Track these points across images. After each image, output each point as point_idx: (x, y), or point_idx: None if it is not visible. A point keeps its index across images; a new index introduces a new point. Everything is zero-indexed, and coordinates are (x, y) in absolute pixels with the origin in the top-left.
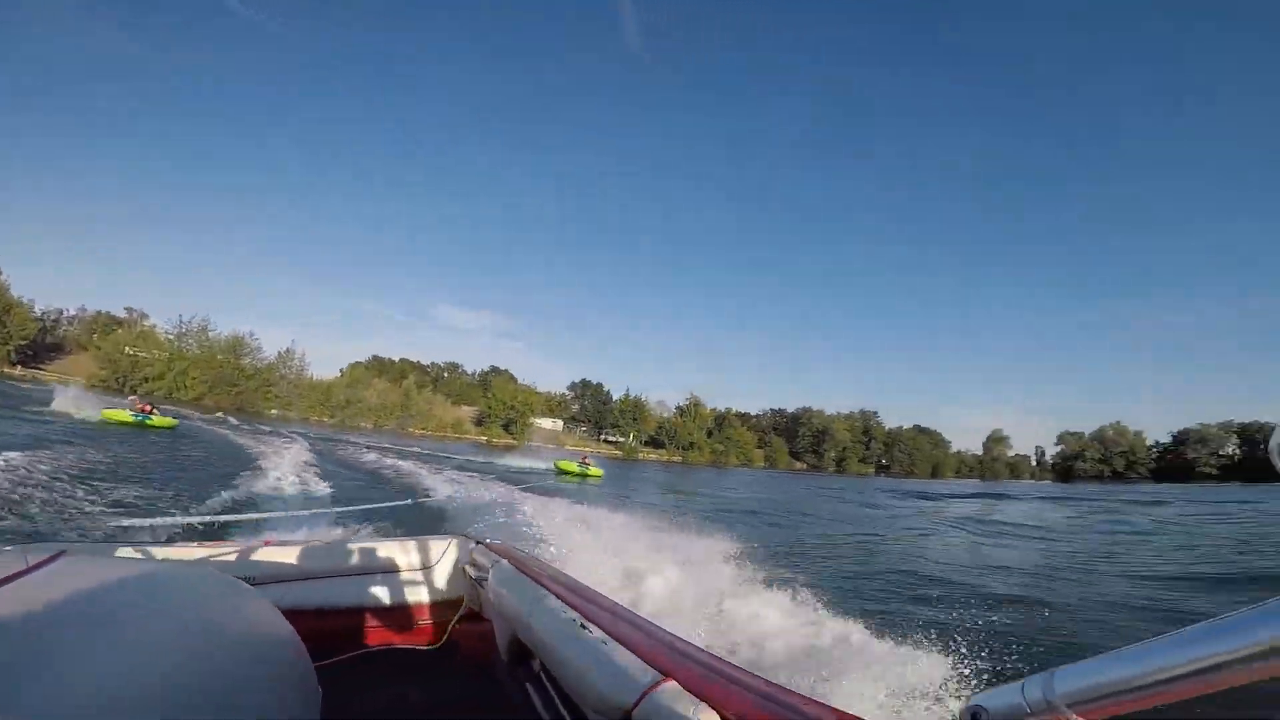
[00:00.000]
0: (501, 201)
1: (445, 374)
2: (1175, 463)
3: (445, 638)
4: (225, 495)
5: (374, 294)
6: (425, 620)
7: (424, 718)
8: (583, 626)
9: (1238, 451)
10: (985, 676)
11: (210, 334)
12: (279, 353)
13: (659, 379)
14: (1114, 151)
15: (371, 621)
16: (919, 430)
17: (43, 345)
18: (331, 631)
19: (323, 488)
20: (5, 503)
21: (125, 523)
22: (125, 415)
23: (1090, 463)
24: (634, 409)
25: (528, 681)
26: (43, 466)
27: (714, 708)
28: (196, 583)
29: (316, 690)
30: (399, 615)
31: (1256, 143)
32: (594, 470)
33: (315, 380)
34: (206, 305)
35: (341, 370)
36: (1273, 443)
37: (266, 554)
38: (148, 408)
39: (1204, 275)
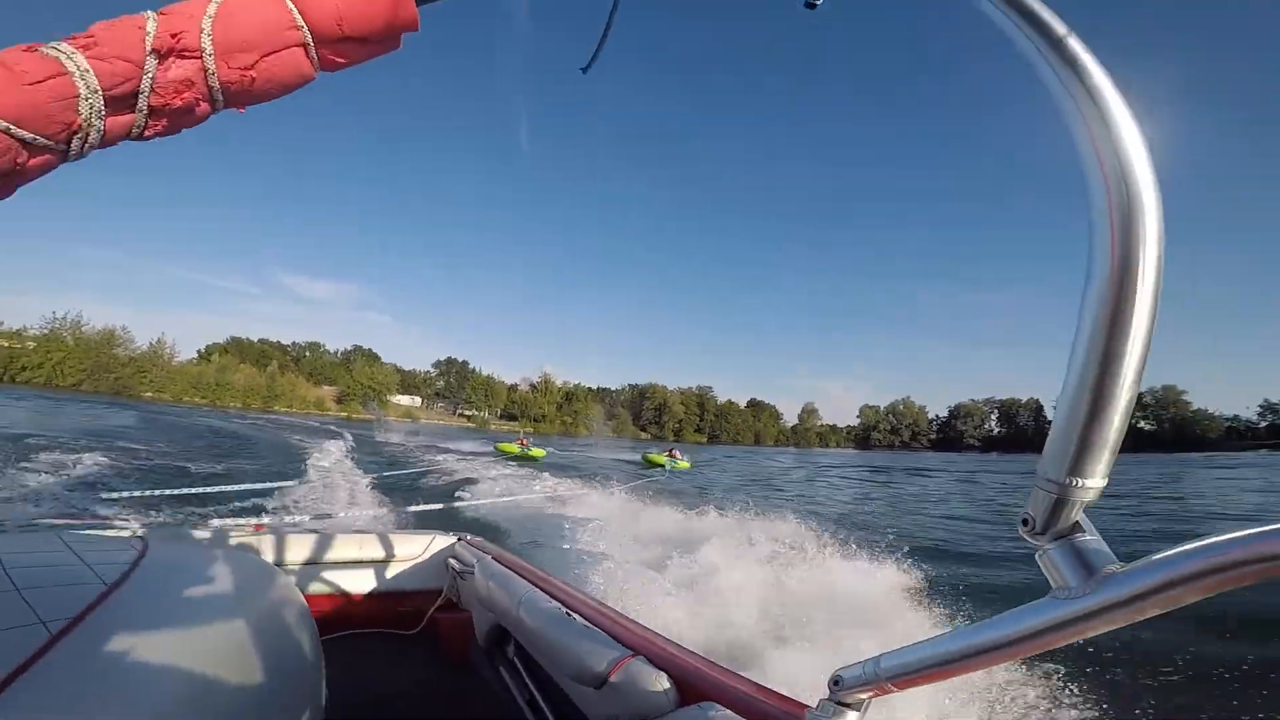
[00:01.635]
0: (358, 175)
1: (306, 353)
2: (949, 435)
3: (424, 624)
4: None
5: (223, 269)
6: (406, 607)
7: (408, 691)
8: (567, 614)
9: (996, 426)
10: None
11: (83, 328)
12: (150, 343)
13: (524, 356)
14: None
15: (359, 606)
16: (754, 403)
17: None
18: (326, 612)
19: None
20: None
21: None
22: (514, 448)
23: (883, 433)
24: (485, 386)
25: (502, 665)
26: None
27: (670, 675)
28: (246, 566)
29: (322, 662)
30: (383, 601)
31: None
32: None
33: (186, 366)
34: (48, 293)
35: (199, 351)
36: None
37: (287, 540)
38: (525, 442)
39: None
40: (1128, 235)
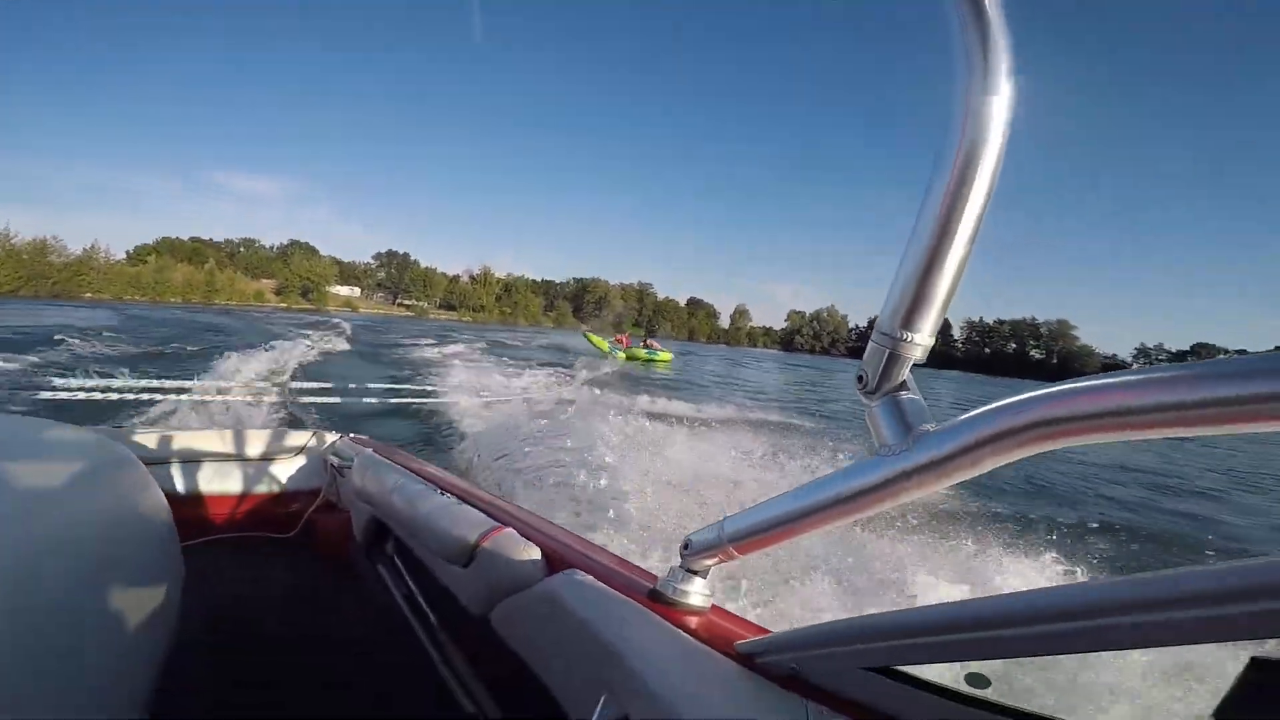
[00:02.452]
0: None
1: (241, 249)
2: (864, 344)
3: (301, 526)
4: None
5: (145, 167)
6: (282, 509)
7: (279, 597)
8: (439, 493)
9: None
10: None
11: (12, 240)
12: (84, 248)
13: (471, 248)
14: None
15: (230, 508)
16: (693, 302)
17: None
18: (192, 515)
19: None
20: None
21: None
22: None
23: (806, 338)
24: (424, 278)
25: (380, 563)
26: None
27: (539, 546)
28: (86, 447)
29: (181, 567)
30: (256, 503)
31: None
32: (663, 355)
33: (123, 267)
34: None
35: (127, 253)
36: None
37: (150, 433)
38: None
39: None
40: (981, 110)
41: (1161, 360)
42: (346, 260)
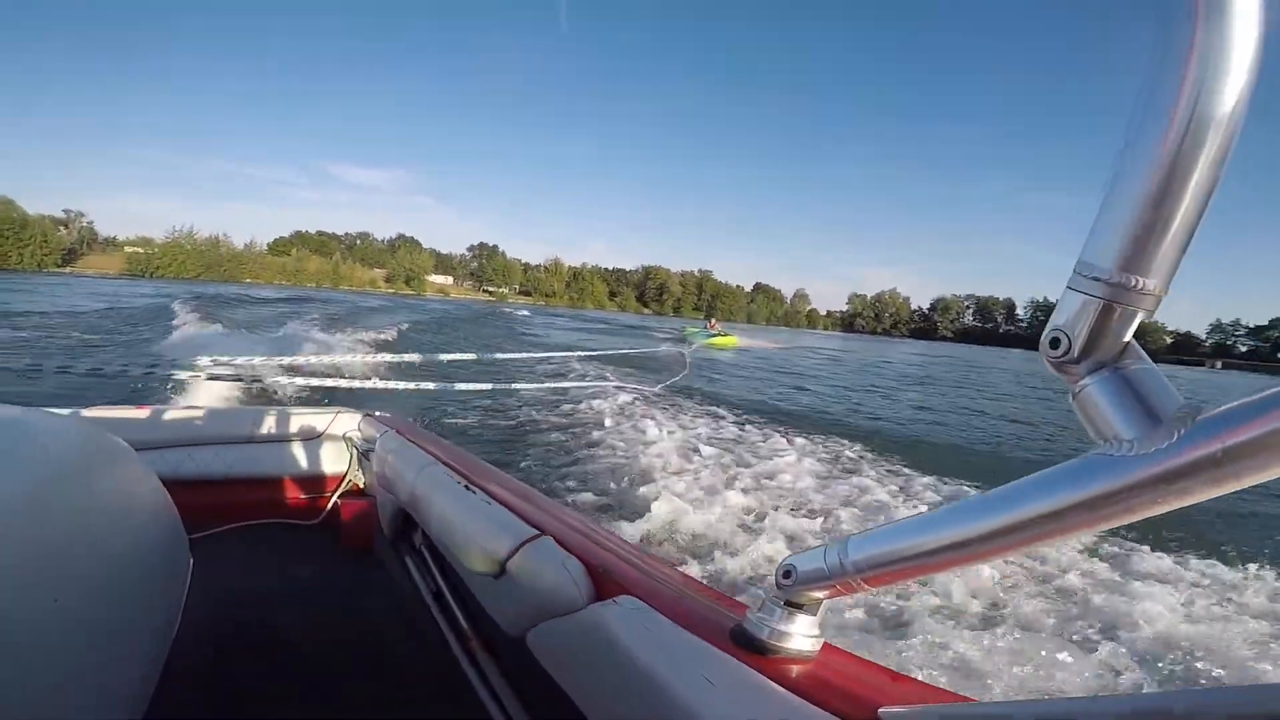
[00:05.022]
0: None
1: (358, 241)
2: (925, 326)
3: (325, 513)
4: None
5: (268, 161)
6: (304, 495)
7: (297, 590)
8: (468, 489)
9: (971, 320)
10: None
11: (194, 236)
12: (245, 244)
13: (555, 237)
14: None
15: (246, 494)
16: (759, 287)
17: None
18: (204, 503)
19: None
20: None
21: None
22: (726, 340)
23: (867, 320)
24: (504, 268)
25: (407, 555)
26: None
27: (581, 560)
28: (60, 433)
29: (188, 560)
30: (276, 488)
31: None
32: (725, 339)
33: (272, 258)
34: (117, 195)
35: (268, 245)
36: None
37: (141, 416)
38: (714, 325)
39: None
40: None
41: (1240, 337)
42: (444, 252)
